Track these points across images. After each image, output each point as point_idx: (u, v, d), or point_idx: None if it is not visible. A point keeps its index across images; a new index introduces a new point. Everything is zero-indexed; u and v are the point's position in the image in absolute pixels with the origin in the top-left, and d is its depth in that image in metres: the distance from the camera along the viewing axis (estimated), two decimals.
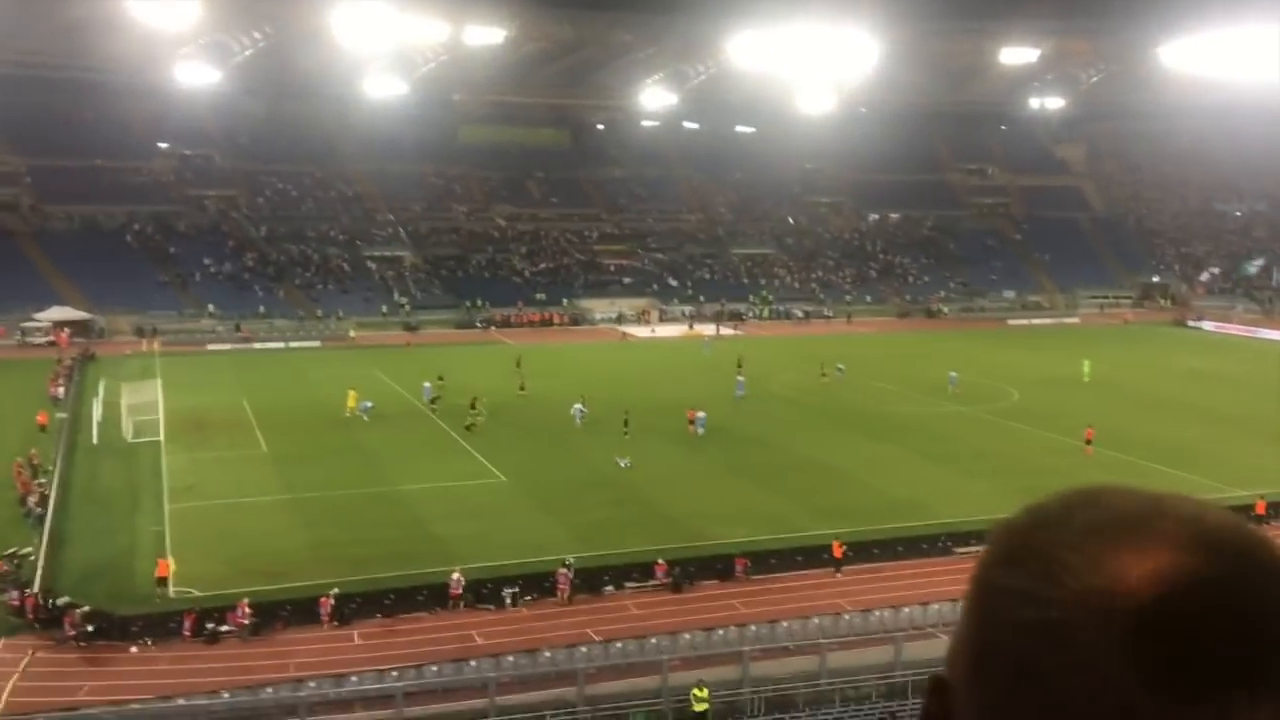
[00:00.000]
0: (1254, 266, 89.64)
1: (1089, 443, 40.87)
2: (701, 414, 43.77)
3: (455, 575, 26.71)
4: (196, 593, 26.92)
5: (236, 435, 42.91)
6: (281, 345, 67.77)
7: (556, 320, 79.08)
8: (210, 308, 72.98)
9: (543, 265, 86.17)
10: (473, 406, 44.47)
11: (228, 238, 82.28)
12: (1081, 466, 38.65)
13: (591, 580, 27.91)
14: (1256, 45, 67.30)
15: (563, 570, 27.26)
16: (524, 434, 43.58)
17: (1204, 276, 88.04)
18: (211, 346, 66.97)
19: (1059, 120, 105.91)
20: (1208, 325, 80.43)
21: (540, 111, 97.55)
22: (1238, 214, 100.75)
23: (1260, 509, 32.21)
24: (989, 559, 1.07)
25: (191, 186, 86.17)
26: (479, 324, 76.69)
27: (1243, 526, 0.99)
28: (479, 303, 78.89)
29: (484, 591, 27.05)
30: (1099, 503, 1.06)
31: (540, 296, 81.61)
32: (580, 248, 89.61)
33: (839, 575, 28.87)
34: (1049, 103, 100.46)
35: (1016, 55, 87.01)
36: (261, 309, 74.03)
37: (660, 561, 28.27)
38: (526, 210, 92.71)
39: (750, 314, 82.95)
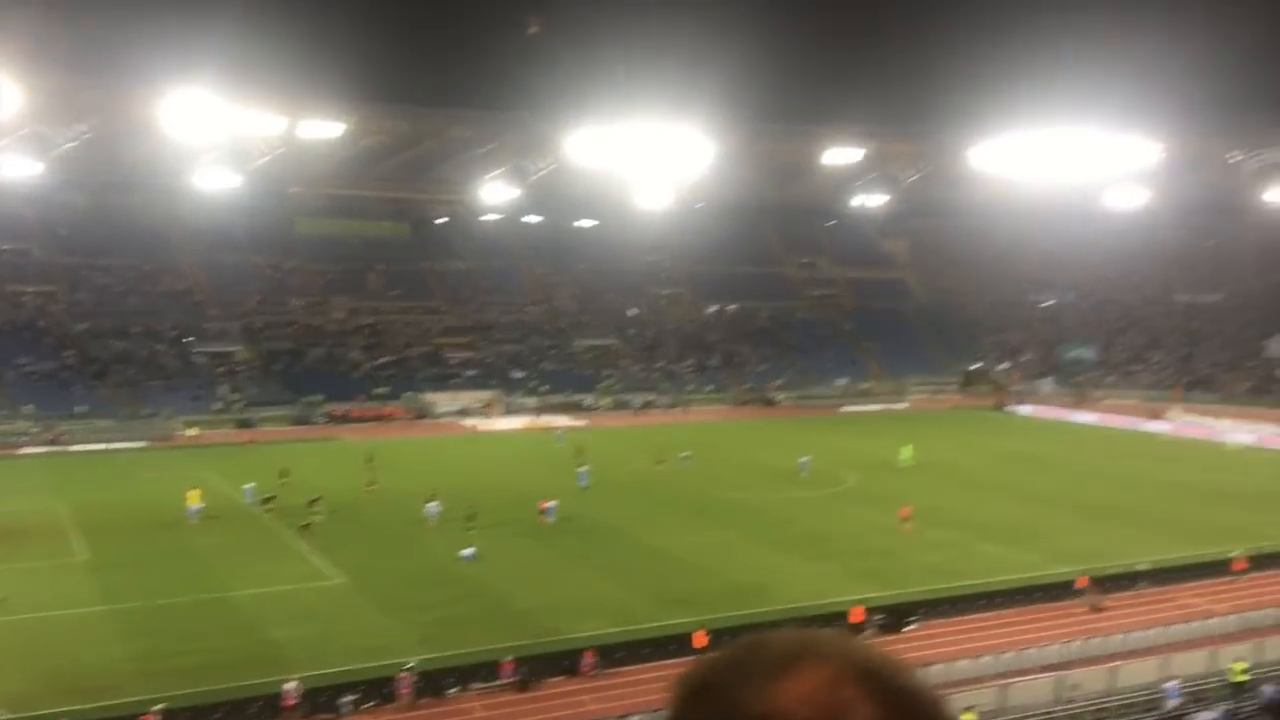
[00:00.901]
0: (1076, 353, 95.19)
1: (905, 520, 42.36)
2: (553, 503, 43.72)
3: (290, 684, 25.55)
4: (6, 714, 24.96)
5: (52, 543, 40.40)
6: (102, 446, 64.39)
7: (398, 414, 77.72)
8: (27, 408, 68.96)
9: (383, 358, 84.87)
10: (311, 505, 43.12)
11: (45, 334, 78.26)
12: (915, 546, 39.95)
13: (435, 683, 27.14)
14: (1053, 149, 72.66)
15: (404, 674, 26.43)
16: (367, 532, 42.47)
17: (1039, 368, 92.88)
18: (25, 450, 63.11)
19: (883, 216, 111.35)
20: (1025, 409, 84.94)
21: (380, 204, 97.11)
22: (1048, 304, 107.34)
23: (1081, 583, 33.84)
24: (675, 706, 1.21)
25: (7, 282, 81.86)
26: (318, 419, 74.71)
27: (889, 657, 1.20)
28: (317, 398, 76.96)
29: (320, 700, 25.94)
30: (763, 645, 1.23)
31: (381, 390, 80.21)
32: (422, 340, 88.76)
33: None
34: (873, 200, 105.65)
35: (841, 156, 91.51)
36: (80, 408, 70.32)
37: (507, 660, 27.75)
38: (366, 303, 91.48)
39: (594, 404, 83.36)
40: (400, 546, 40.37)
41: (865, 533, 42.46)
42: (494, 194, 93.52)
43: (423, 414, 78.30)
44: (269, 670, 27.06)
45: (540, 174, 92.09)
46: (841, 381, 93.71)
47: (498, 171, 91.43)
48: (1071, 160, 74.41)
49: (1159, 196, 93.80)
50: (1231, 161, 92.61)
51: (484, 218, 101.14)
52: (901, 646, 29.96)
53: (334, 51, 76.44)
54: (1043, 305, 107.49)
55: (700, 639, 28.85)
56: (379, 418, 76.28)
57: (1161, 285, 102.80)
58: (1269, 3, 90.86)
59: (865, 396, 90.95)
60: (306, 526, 41.86)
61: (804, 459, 55.16)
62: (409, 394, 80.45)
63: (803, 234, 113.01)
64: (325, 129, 75.82)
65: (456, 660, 28.30)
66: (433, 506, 43.18)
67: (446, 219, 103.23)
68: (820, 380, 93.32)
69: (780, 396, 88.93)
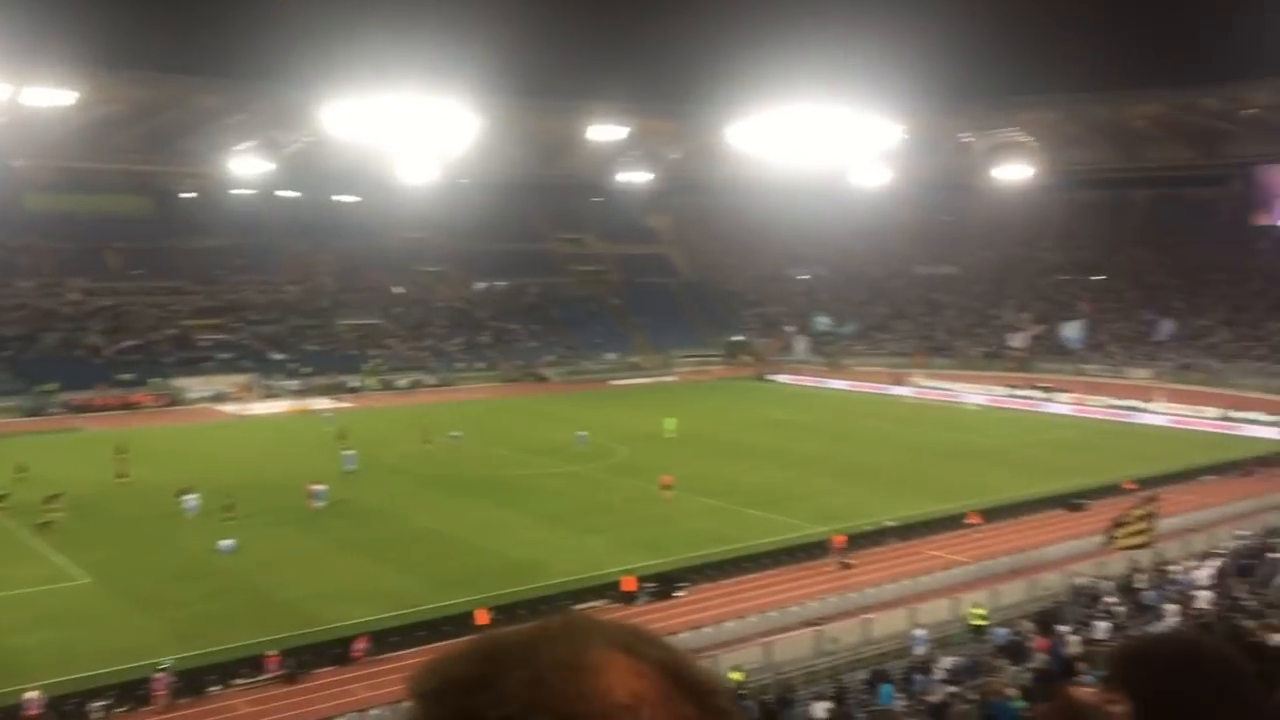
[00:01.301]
0: (823, 324, 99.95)
1: (666, 488, 43.48)
2: (321, 486, 42.34)
3: (31, 694, 23.62)
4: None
5: None
6: None
7: (146, 401, 73.01)
8: None
9: (126, 343, 79.42)
10: (49, 502, 39.93)
11: None
12: (684, 514, 41.05)
13: (194, 681, 25.74)
14: (804, 128, 75.86)
15: (159, 674, 24.95)
16: (117, 528, 39.73)
17: (795, 342, 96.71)
18: None
19: (647, 193, 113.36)
20: (784, 378, 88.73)
21: (119, 178, 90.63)
22: (803, 277, 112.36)
23: (839, 541, 35.70)
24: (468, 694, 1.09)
25: None
26: (54, 409, 69.23)
27: (678, 649, 1.18)
28: (52, 386, 71.24)
29: (66, 709, 24.13)
30: (550, 636, 1.17)
31: (125, 377, 75.04)
32: (170, 323, 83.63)
33: None
34: (637, 177, 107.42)
35: (605, 132, 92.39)
36: None
37: (272, 653, 26.66)
38: (105, 284, 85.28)
39: (360, 385, 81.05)
40: (153, 542, 37.99)
41: (637, 504, 43.24)
42: (245, 167, 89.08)
43: (174, 401, 73.89)
44: (7, 680, 24.90)
45: (295, 147, 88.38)
46: (610, 356, 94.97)
47: (249, 144, 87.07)
48: (821, 139, 77.87)
49: (900, 175, 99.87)
50: (964, 141, 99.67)
51: (235, 192, 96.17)
52: (673, 612, 30.78)
53: (63, 12, 70.61)
54: (798, 279, 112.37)
55: (482, 616, 28.70)
56: (124, 405, 71.37)
57: (904, 258, 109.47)
58: None
59: (634, 370, 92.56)
60: (45, 524, 38.79)
61: (582, 434, 55.74)
62: (156, 380, 75.72)
63: (569, 210, 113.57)
64: (54, 96, 69.92)
65: (218, 656, 26.97)
66: (190, 499, 40.74)
67: (194, 194, 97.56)
68: (589, 355, 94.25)
69: (550, 372, 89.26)
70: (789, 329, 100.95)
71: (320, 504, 41.78)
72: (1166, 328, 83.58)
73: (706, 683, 1.15)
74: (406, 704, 1.12)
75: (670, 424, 58.58)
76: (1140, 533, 31.83)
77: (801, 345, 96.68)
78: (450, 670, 1.09)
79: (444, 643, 28.17)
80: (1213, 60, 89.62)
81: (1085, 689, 4.21)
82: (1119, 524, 32.13)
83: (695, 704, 1.10)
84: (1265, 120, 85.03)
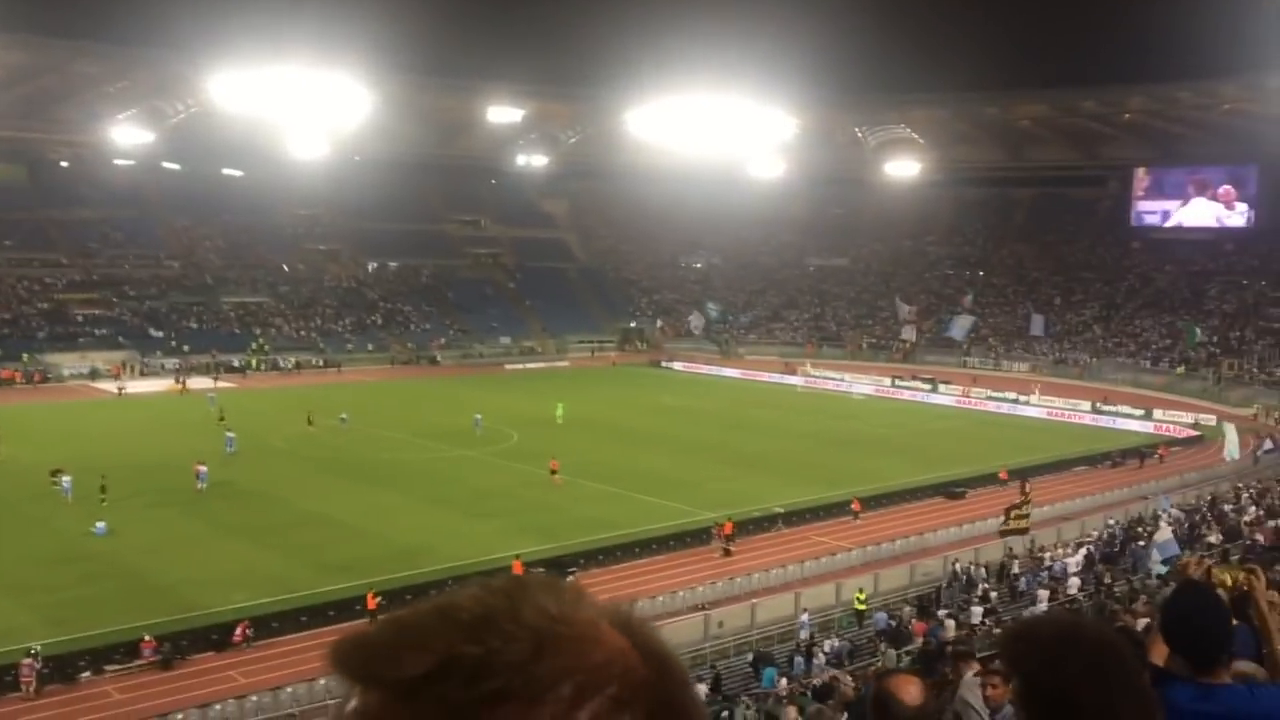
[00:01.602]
0: (714, 312, 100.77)
1: (554, 473, 43.64)
2: (204, 468, 41.36)
3: None
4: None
5: None
6: None
7: (16, 378, 69.85)
8: None
9: None
10: None
11: None
12: (576, 500, 41.04)
13: (64, 667, 24.85)
14: (701, 118, 76.30)
15: (27, 660, 23.97)
16: None
17: (691, 320, 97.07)
18: None
19: (544, 176, 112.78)
20: (678, 365, 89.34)
21: None
22: (698, 266, 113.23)
23: (727, 529, 36.11)
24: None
25: None
26: None
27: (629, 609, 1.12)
28: None
29: None
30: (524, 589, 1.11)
31: None
32: (42, 296, 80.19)
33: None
34: (534, 160, 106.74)
35: (502, 114, 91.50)
36: None
37: (147, 638, 25.84)
38: None
39: (243, 365, 78.93)
40: (22, 524, 36.43)
41: (528, 488, 43.07)
42: (125, 137, 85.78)
43: (46, 377, 70.88)
44: None
45: (179, 117, 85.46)
46: (505, 340, 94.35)
47: (130, 112, 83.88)
48: (718, 129, 78.40)
49: (795, 167, 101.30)
50: (857, 136, 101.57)
51: (115, 163, 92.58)
52: None
53: None
54: (694, 267, 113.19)
55: (371, 601, 28.31)
56: None
57: (797, 250, 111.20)
58: None
59: (529, 355, 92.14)
60: None
61: (478, 416, 55.39)
62: (27, 355, 72.55)
63: (465, 192, 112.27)
64: None
65: (89, 642, 26.05)
66: (65, 480, 39.01)
67: (69, 163, 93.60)
68: (484, 339, 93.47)
69: (442, 355, 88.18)
70: (687, 317, 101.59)
71: (202, 485, 40.76)
72: (1039, 323, 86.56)
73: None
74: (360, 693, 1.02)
75: (560, 410, 58.37)
76: (1023, 517, 33.16)
77: (698, 325, 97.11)
78: (441, 646, 1.01)
79: (326, 628, 27.74)
80: (1094, 64, 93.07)
81: (904, 674, 4.40)
82: (1010, 509, 33.52)
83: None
84: (1141, 124, 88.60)
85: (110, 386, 69.56)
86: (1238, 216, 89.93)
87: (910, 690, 4.02)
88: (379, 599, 28.46)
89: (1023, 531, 33.74)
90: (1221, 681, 2.88)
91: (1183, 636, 2.98)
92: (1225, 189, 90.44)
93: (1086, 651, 1.96)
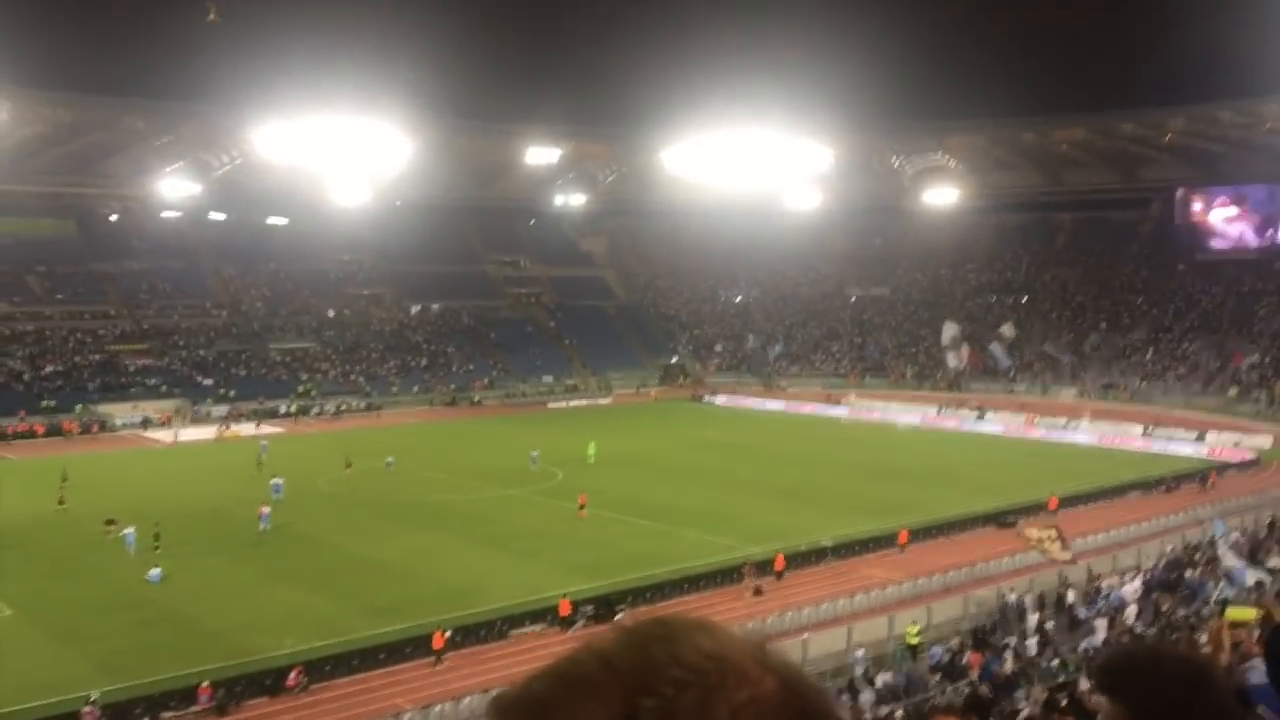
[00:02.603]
0: (756, 344, 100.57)
1: (582, 508, 44.07)
2: (267, 509, 42.48)
3: None
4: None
5: None
6: None
7: (70, 428, 71.01)
8: None
9: (49, 369, 77.41)
10: None
11: None
12: (622, 536, 40.96)
13: (122, 714, 25.06)
14: (736, 152, 76.55)
15: (86, 709, 24.23)
16: (39, 558, 38.61)
17: (711, 352, 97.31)
18: None
19: (582, 216, 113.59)
20: (720, 399, 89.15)
21: (40, 200, 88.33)
22: (737, 299, 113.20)
23: (779, 564, 35.92)
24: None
25: None
26: None
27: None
28: None
29: None
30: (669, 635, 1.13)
31: (48, 403, 73.09)
32: (94, 348, 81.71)
33: (440, 664, 28.57)
34: (572, 200, 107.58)
35: (539, 155, 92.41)
36: None
37: (204, 684, 26.05)
38: (27, 308, 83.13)
39: (289, 411, 79.66)
40: (78, 572, 36.97)
41: (574, 526, 43.07)
42: (173, 190, 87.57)
43: (99, 427, 71.89)
44: None
45: (224, 169, 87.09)
46: (547, 379, 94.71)
47: (176, 165, 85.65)
48: (753, 163, 78.57)
49: (832, 198, 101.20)
50: (894, 166, 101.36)
51: (162, 215, 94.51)
52: None
53: None
54: (733, 301, 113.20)
55: (439, 640, 28.68)
56: (48, 433, 69.24)
57: (836, 281, 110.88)
58: (918, 20, 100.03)
59: (570, 393, 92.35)
60: None
61: (535, 453, 55.99)
62: (81, 406, 73.84)
63: (504, 233, 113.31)
64: None
65: (145, 689, 26.27)
66: (128, 533, 38.79)
67: (118, 216, 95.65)
68: (526, 378, 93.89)
69: (476, 397, 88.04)
70: (722, 350, 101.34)
71: (265, 526, 41.77)
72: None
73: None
74: None
75: (591, 449, 57.98)
76: (1055, 550, 32.84)
77: (736, 367, 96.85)
78: (616, 699, 1.03)
79: (377, 670, 27.83)
80: (1132, 87, 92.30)
81: (946, 714, 4.35)
82: (1034, 533, 33.43)
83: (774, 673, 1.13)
84: (1182, 145, 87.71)
85: (161, 435, 70.56)
86: None
87: None
88: (447, 636, 28.64)
89: (1067, 561, 33.36)
90: None
91: None
92: (1270, 208, 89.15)
93: (1211, 697, 1.91)
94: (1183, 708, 1.89)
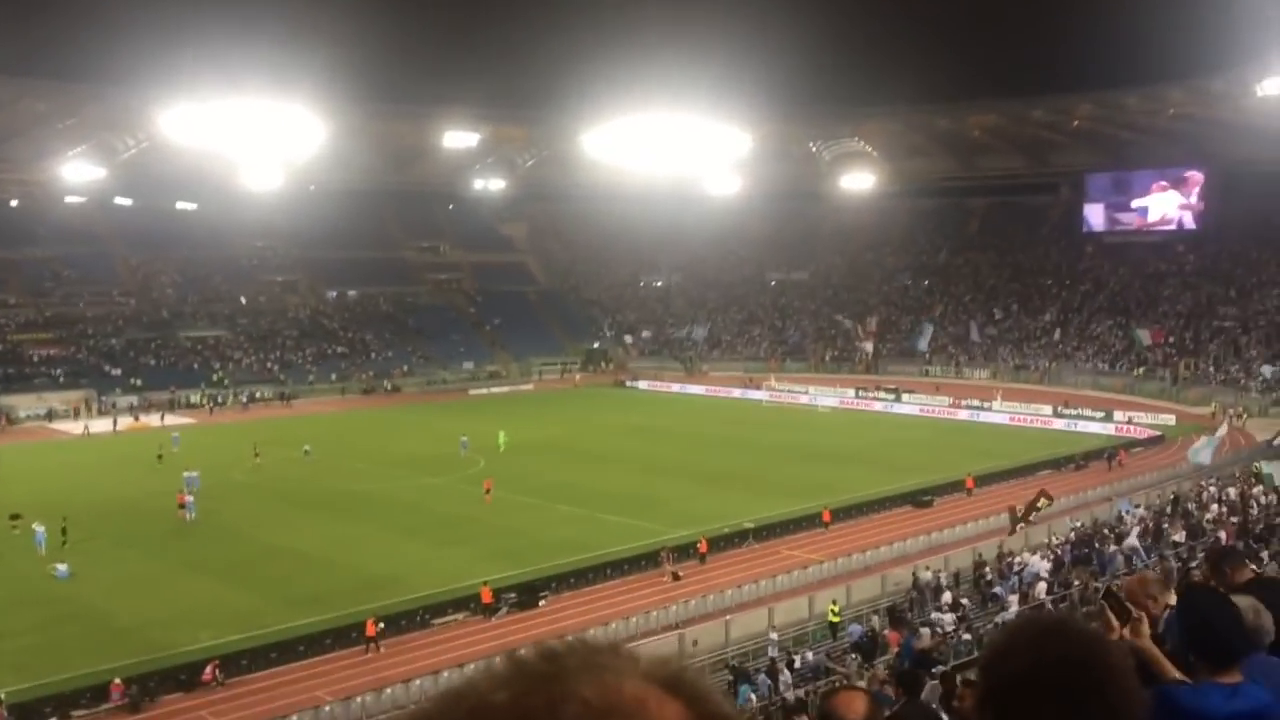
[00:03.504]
0: (682, 331, 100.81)
1: (488, 492, 44.48)
2: (189, 498, 42.31)
3: None
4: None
5: None
6: None
7: None
8: None
9: None
10: None
11: None
12: (545, 523, 40.84)
13: (29, 714, 24.34)
14: (656, 137, 76.67)
15: None
16: None
17: (633, 338, 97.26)
18: None
19: (502, 200, 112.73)
20: (642, 384, 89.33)
21: None
22: (658, 284, 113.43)
23: (702, 548, 36.13)
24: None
25: None
26: None
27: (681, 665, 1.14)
28: None
29: None
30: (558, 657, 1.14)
31: None
32: None
33: (374, 651, 28.48)
34: (492, 184, 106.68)
35: (457, 139, 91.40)
36: None
37: (116, 680, 25.37)
38: None
39: (201, 400, 77.82)
40: None
41: (496, 514, 42.82)
42: (77, 174, 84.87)
43: (5, 419, 69.48)
44: None
45: (130, 152, 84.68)
46: (468, 365, 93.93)
47: (80, 149, 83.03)
48: (673, 147, 78.78)
49: (751, 183, 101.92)
50: (811, 151, 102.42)
51: (66, 200, 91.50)
52: (535, 621, 30.57)
53: None
54: (654, 285, 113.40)
55: (371, 628, 28.52)
56: None
57: (756, 265, 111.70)
58: (833, 6, 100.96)
59: (493, 379, 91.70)
60: None
61: (464, 439, 55.62)
62: None
63: (423, 218, 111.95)
64: None
65: (55, 687, 25.53)
66: (38, 530, 37.19)
67: (19, 201, 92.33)
68: (447, 365, 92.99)
69: (388, 384, 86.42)
70: (645, 335, 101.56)
71: (191, 515, 41.61)
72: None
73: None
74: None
75: (502, 438, 57.20)
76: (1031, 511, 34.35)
77: (657, 352, 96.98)
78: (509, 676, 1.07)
79: (296, 663, 27.41)
80: (1041, 74, 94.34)
81: (851, 689, 4.40)
82: (1030, 507, 34.77)
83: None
84: (1090, 131, 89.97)
85: (68, 427, 68.53)
86: (1186, 218, 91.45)
87: (856, 705, 4.03)
88: (380, 625, 28.36)
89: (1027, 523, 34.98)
90: (1238, 680, 2.90)
91: (1205, 639, 3.00)
92: (1173, 192, 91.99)
93: (1066, 646, 1.88)
94: (1025, 676, 1.86)
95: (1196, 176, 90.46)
